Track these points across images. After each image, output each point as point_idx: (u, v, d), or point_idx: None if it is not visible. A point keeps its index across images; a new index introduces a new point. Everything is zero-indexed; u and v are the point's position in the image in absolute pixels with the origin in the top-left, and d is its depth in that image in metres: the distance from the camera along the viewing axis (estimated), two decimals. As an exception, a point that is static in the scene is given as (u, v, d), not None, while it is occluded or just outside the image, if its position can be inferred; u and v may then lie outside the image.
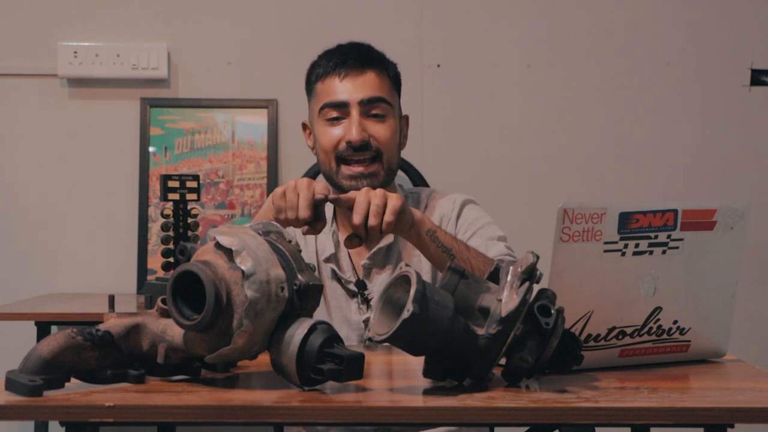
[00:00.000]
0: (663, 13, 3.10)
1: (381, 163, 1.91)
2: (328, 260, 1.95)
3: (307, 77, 1.99)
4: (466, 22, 3.08)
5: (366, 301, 1.92)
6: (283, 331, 1.29)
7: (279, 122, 3.07)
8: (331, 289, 1.95)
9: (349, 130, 1.89)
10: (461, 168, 3.05)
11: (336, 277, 1.94)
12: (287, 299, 1.30)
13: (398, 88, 2.00)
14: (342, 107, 1.90)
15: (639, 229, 1.46)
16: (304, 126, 2.03)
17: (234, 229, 1.34)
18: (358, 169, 1.90)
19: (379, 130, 1.91)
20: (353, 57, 1.92)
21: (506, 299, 1.31)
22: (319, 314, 1.91)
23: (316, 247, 1.97)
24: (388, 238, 1.94)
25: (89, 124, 3.07)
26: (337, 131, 1.90)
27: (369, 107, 1.91)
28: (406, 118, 2.02)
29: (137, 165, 3.05)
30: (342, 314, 1.93)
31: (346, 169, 1.90)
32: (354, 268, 1.95)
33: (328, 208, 2.00)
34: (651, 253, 1.48)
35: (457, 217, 1.97)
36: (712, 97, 3.10)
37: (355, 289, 1.93)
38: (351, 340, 1.92)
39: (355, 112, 1.89)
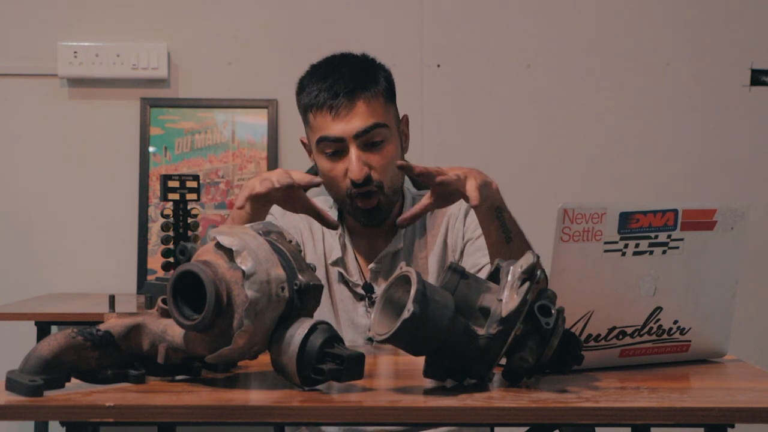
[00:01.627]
0: (663, 13, 3.10)
1: (382, 192, 1.90)
2: (335, 263, 1.94)
3: (297, 96, 1.96)
4: (466, 22, 3.08)
5: (373, 304, 1.92)
6: (283, 331, 1.29)
7: (279, 122, 3.07)
8: (339, 292, 1.94)
9: (351, 168, 1.87)
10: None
11: (343, 280, 1.94)
12: (287, 299, 1.30)
13: (392, 96, 1.96)
14: (339, 142, 1.88)
15: (639, 229, 1.46)
16: (303, 143, 2.00)
17: (234, 229, 1.34)
18: (365, 205, 1.89)
19: (379, 161, 1.88)
20: (342, 91, 1.87)
21: (506, 299, 1.31)
22: (327, 317, 1.91)
23: (324, 249, 1.96)
24: (397, 244, 1.94)
25: (89, 124, 3.07)
26: (338, 168, 1.88)
27: (366, 137, 1.88)
28: (405, 118, 2.01)
29: (137, 165, 3.06)
30: (349, 317, 1.93)
31: (357, 203, 1.89)
32: (361, 272, 1.95)
33: (334, 212, 2.00)
34: (651, 253, 1.48)
35: (465, 216, 1.97)
36: (712, 97, 3.10)
37: (362, 292, 1.93)
38: (357, 343, 1.91)
39: (353, 149, 1.86)
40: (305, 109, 1.92)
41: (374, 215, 1.90)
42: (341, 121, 1.86)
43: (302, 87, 1.94)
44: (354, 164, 1.86)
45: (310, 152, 1.98)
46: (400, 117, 1.99)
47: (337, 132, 1.86)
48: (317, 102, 1.89)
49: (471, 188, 1.69)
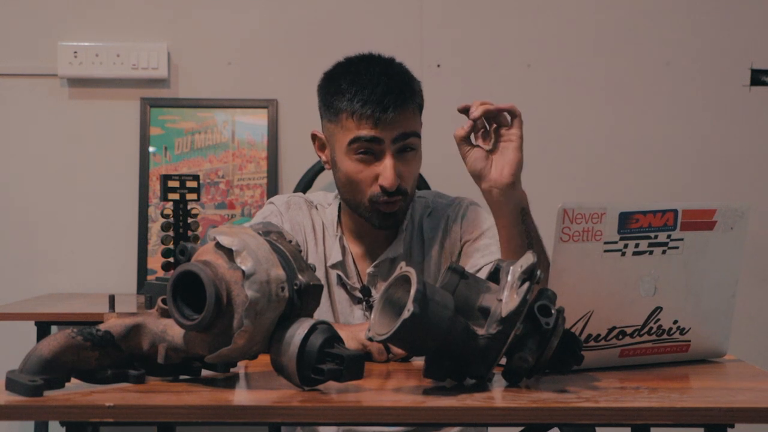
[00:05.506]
0: (663, 13, 3.10)
1: (405, 198, 1.89)
2: (334, 266, 1.94)
3: (326, 96, 1.90)
4: (466, 22, 3.08)
5: (370, 307, 1.92)
6: (283, 331, 1.29)
7: (279, 122, 3.07)
8: (338, 294, 1.94)
9: (384, 174, 1.83)
10: (461, 168, 3.04)
11: (341, 283, 1.94)
12: (287, 299, 1.30)
13: (422, 109, 1.96)
14: (375, 143, 1.84)
15: (639, 229, 1.46)
16: (314, 137, 1.97)
17: (234, 229, 1.34)
18: (388, 209, 1.87)
19: (408, 170, 1.86)
20: (392, 103, 1.83)
21: (506, 299, 1.31)
22: (324, 315, 1.90)
23: (325, 252, 1.96)
24: (395, 250, 1.93)
25: (89, 124, 3.07)
26: (368, 172, 1.85)
27: (402, 144, 1.86)
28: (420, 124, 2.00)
29: (137, 165, 3.06)
30: (346, 320, 1.92)
31: (379, 208, 1.87)
32: (359, 275, 1.94)
33: (333, 210, 1.98)
34: (651, 253, 1.48)
35: (462, 217, 1.97)
36: (712, 97, 3.10)
37: (360, 295, 1.93)
38: None
39: (389, 153, 1.84)
40: (342, 110, 1.85)
41: (392, 219, 1.89)
42: (385, 128, 1.83)
43: (338, 88, 1.87)
44: (389, 171, 1.82)
45: (322, 148, 1.95)
46: None
47: (376, 134, 1.84)
48: (363, 111, 1.83)
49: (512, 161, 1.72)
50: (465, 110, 1.76)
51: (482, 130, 1.77)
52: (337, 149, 1.87)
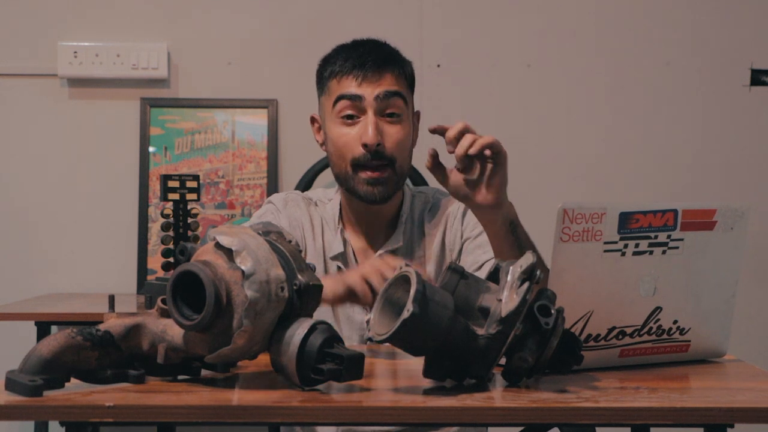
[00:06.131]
0: (663, 13, 3.10)
1: (393, 169, 1.89)
2: (335, 258, 1.94)
3: (320, 72, 1.96)
4: (466, 22, 3.08)
5: None
6: (283, 331, 1.29)
7: (279, 122, 3.07)
8: None
9: (365, 131, 1.86)
10: (461, 168, 3.05)
11: None
12: (287, 299, 1.30)
13: (412, 86, 1.98)
14: (357, 100, 1.88)
15: (639, 229, 1.46)
16: (313, 120, 2.01)
17: (234, 229, 1.34)
18: (373, 174, 1.88)
19: (393, 134, 1.88)
20: (371, 59, 1.88)
21: (506, 299, 1.31)
22: (326, 312, 1.90)
23: (324, 244, 1.96)
24: (396, 242, 1.94)
25: (89, 124, 3.07)
26: (352, 132, 1.88)
27: (385, 104, 1.88)
28: (418, 114, 2.02)
29: (137, 165, 3.06)
30: (346, 313, 1.93)
31: (362, 174, 1.88)
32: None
33: (334, 204, 1.99)
34: (651, 253, 1.48)
35: (463, 215, 1.97)
36: (712, 97, 3.11)
37: (359, 288, 1.93)
38: (353, 339, 1.91)
39: (370, 111, 1.87)
40: (329, 78, 1.92)
41: (379, 188, 1.88)
42: (366, 86, 1.87)
43: (326, 60, 1.95)
44: (370, 127, 1.86)
45: (319, 129, 1.97)
46: (414, 111, 1.99)
47: (358, 91, 1.87)
48: (343, 70, 1.89)
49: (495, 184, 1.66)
50: (438, 131, 1.69)
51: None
52: (327, 119, 1.92)
